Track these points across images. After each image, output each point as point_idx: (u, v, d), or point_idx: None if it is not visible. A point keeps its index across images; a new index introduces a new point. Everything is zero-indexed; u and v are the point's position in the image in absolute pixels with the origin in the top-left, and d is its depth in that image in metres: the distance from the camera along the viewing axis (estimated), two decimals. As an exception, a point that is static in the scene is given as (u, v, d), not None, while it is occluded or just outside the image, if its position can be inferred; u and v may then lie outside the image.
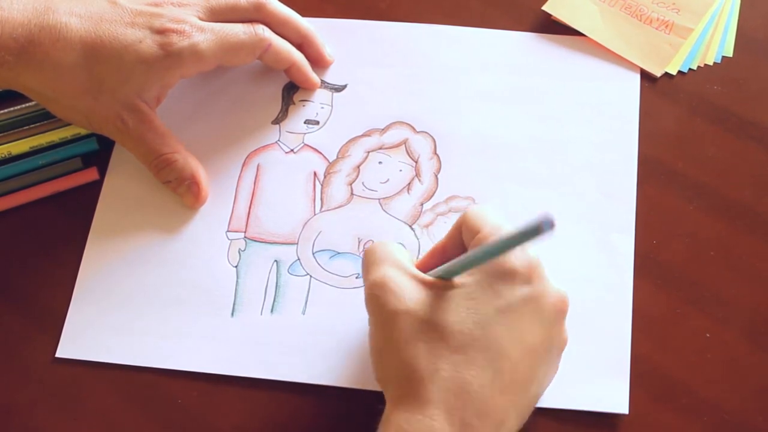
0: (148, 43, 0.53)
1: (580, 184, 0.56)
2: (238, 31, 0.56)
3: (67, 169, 0.59)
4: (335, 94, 0.61)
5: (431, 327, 0.42)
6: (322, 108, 0.60)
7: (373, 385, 0.50)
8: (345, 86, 0.61)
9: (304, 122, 0.60)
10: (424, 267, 0.47)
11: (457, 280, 0.44)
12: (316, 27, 0.61)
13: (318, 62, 0.61)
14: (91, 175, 0.59)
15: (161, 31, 0.53)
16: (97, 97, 0.54)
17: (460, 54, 0.61)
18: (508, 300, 0.42)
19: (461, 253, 0.46)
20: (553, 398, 0.49)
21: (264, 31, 0.57)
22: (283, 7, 0.59)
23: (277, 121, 0.60)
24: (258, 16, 0.58)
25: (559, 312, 0.44)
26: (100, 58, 0.53)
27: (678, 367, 0.50)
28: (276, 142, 0.59)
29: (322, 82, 0.61)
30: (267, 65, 0.60)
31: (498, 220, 0.45)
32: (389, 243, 0.47)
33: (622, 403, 0.49)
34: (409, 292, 0.44)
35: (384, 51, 0.62)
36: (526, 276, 0.43)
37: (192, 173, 0.56)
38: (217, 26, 0.55)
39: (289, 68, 0.60)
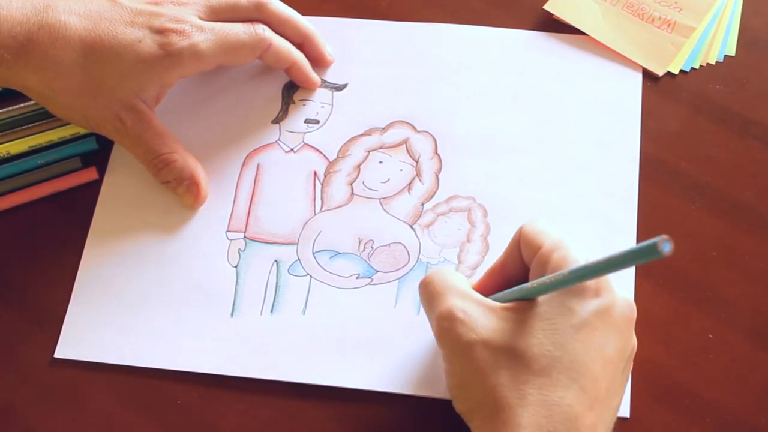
0: (148, 43, 0.53)
1: (582, 183, 0.56)
2: (239, 30, 0.56)
3: (67, 169, 0.59)
4: (335, 93, 0.60)
5: (510, 353, 0.42)
6: (323, 107, 0.60)
7: (372, 385, 0.50)
8: (345, 85, 0.61)
9: (305, 121, 0.60)
10: (484, 289, 0.47)
11: (526, 302, 0.44)
12: (316, 26, 0.61)
13: (319, 62, 0.61)
14: (90, 174, 0.59)
15: (161, 31, 0.53)
16: (95, 97, 0.53)
17: (461, 53, 0.61)
18: (582, 316, 0.42)
19: (521, 270, 0.46)
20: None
21: (264, 31, 0.57)
22: (284, 6, 0.59)
23: (277, 120, 0.60)
24: (259, 15, 0.57)
25: (629, 320, 0.44)
26: (99, 58, 0.53)
27: (680, 368, 0.50)
28: (276, 141, 0.59)
29: (323, 81, 0.61)
30: (267, 65, 0.60)
31: (557, 235, 0.45)
32: (445, 271, 0.46)
33: (623, 405, 0.49)
34: (480, 320, 0.43)
35: (385, 50, 0.62)
36: (595, 289, 0.43)
37: (191, 173, 0.56)
38: (218, 26, 0.55)
39: (290, 68, 0.59)
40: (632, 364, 0.46)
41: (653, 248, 0.35)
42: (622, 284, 0.52)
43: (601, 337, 0.42)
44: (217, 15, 0.56)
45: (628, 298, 0.45)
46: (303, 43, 0.60)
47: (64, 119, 0.57)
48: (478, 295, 0.45)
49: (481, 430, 0.43)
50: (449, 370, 0.45)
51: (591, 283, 0.43)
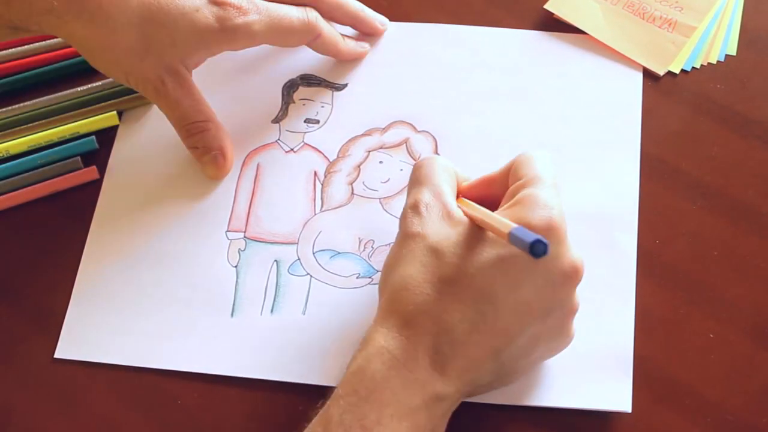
0: (205, 14, 0.53)
1: (582, 183, 0.56)
2: (293, 16, 0.56)
3: (67, 169, 0.59)
4: (336, 93, 0.60)
5: (434, 254, 0.43)
6: (323, 107, 0.60)
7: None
8: (346, 85, 0.61)
9: (305, 121, 0.59)
10: (469, 193, 0.48)
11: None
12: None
13: (372, 35, 0.62)
14: (90, 174, 0.59)
15: (220, 3, 0.54)
16: (143, 58, 0.53)
17: (461, 53, 0.61)
18: (513, 251, 0.42)
19: (506, 190, 0.46)
20: (555, 397, 0.49)
21: (317, 20, 0.58)
22: None
23: (277, 119, 0.60)
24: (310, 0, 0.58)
25: (567, 277, 0.44)
26: (154, 21, 0.53)
27: (681, 368, 0.50)
28: (276, 141, 0.59)
29: (323, 80, 0.61)
30: (311, 49, 0.60)
31: (541, 171, 0.46)
32: (438, 163, 0.48)
33: (624, 401, 0.49)
34: (433, 219, 0.45)
35: (385, 50, 0.62)
36: (541, 234, 0.42)
37: (221, 144, 0.57)
38: (273, 7, 0.56)
39: (333, 56, 0.61)
40: (571, 326, 0.46)
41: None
42: (623, 283, 0.52)
43: (524, 278, 0.43)
44: None
45: (576, 257, 0.44)
46: (354, 24, 0.61)
47: (104, 74, 0.57)
48: (448, 199, 0.46)
49: (382, 311, 0.44)
50: (389, 252, 0.46)
51: (540, 228, 0.43)
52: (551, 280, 0.43)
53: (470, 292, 0.42)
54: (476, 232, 0.44)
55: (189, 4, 0.53)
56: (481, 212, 0.45)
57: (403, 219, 0.46)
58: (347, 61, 0.61)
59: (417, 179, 0.47)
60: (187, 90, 0.55)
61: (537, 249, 0.39)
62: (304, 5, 0.58)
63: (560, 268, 0.43)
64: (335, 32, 0.60)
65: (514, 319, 0.43)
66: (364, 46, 0.62)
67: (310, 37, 0.58)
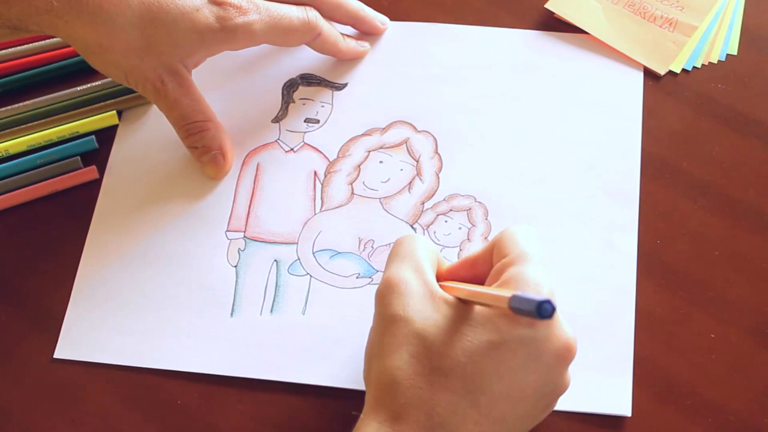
0: (205, 14, 0.53)
1: (583, 182, 0.55)
2: (293, 15, 0.56)
3: (66, 169, 0.59)
4: (336, 93, 0.60)
5: (422, 342, 0.41)
6: (323, 106, 0.60)
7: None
8: (346, 84, 0.61)
9: (305, 121, 0.59)
10: (451, 275, 0.46)
11: (467, 303, 0.43)
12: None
13: (373, 35, 0.62)
14: (90, 174, 0.59)
15: (220, 3, 0.54)
16: (143, 58, 0.53)
17: (461, 52, 0.61)
18: (504, 337, 0.41)
19: (490, 269, 0.45)
20: (555, 399, 0.49)
21: (317, 20, 0.58)
22: None
23: (277, 119, 0.60)
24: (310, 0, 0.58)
25: (561, 359, 0.42)
26: (155, 21, 0.52)
27: (682, 368, 0.50)
28: (276, 140, 0.59)
29: (324, 80, 0.61)
30: (312, 48, 0.60)
31: (527, 247, 0.44)
32: (420, 242, 0.46)
33: (624, 404, 0.49)
34: (415, 299, 0.43)
35: (385, 49, 0.62)
36: (531, 319, 0.41)
37: (220, 144, 0.57)
38: (273, 7, 0.56)
39: (332, 55, 0.61)
40: (556, 401, 0.45)
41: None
42: (624, 283, 0.52)
43: (517, 365, 0.41)
44: None
45: (569, 336, 0.42)
46: (354, 24, 0.61)
47: (104, 73, 0.56)
48: (431, 278, 0.44)
49: (371, 404, 0.42)
50: (370, 336, 0.45)
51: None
52: (545, 362, 0.42)
53: (462, 382, 0.41)
54: (462, 314, 0.42)
55: (189, 3, 0.53)
56: (469, 289, 0.43)
57: (382, 297, 0.44)
58: (347, 61, 0.61)
59: (397, 254, 0.45)
60: (187, 90, 0.55)
61: (545, 310, 0.36)
62: (305, 5, 0.58)
63: (553, 350, 0.42)
64: (335, 31, 0.60)
65: (509, 406, 0.41)
66: (364, 45, 0.61)
67: (311, 37, 0.58)
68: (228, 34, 0.54)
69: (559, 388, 0.44)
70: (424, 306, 0.43)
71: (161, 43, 0.53)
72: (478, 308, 0.42)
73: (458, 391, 0.40)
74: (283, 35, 0.57)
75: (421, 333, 0.42)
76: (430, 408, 0.40)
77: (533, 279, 0.42)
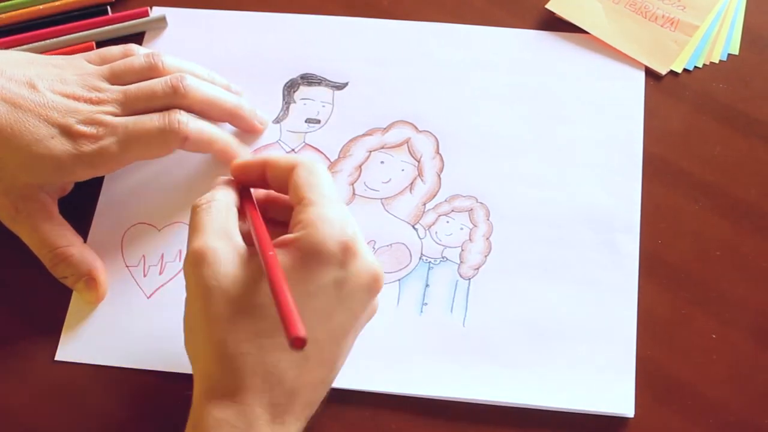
0: (60, 141, 0.51)
1: (585, 183, 0.55)
2: (153, 126, 0.52)
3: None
4: (337, 93, 0.60)
5: (242, 308, 0.42)
6: (324, 107, 0.60)
7: (373, 386, 0.50)
8: (346, 84, 0.60)
9: (305, 121, 0.59)
10: (242, 172, 0.49)
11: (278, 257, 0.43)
12: (317, 25, 0.62)
13: (251, 133, 0.59)
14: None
15: (72, 133, 0.51)
16: None
17: (462, 52, 0.61)
18: (318, 284, 0.42)
19: (281, 184, 0.47)
20: (557, 400, 0.49)
21: (180, 123, 0.53)
22: (204, 87, 0.55)
23: (277, 120, 0.60)
24: (178, 101, 0.54)
25: (371, 290, 0.44)
26: (7, 147, 0.50)
27: (683, 369, 0.50)
28: (277, 141, 0.59)
29: (324, 80, 0.61)
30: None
31: (323, 188, 0.45)
32: (215, 204, 0.46)
33: (627, 404, 0.49)
34: (228, 267, 0.43)
35: (386, 49, 0.62)
36: (340, 258, 0.43)
37: (89, 269, 0.53)
38: (131, 123, 0.52)
39: (215, 151, 0.57)
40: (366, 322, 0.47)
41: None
42: (625, 283, 0.52)
43: (334, 307, 0.43)
44: (134, 106, 0.53)
45: (374, 267, 0.44)
46: (231, 121, 0.58)
47: None
48: (240, 240, 0.45)
49: (201, 378, 0.43)
50: (186, 310, 0.45)
51: (337, 251, 0.42)
52: (358, 300, 0.44)
53: None
54: None
55: (44, 131, 0.50)
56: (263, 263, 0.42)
57: (191, 271, 0.43)
58: (347, 61, 0.61)
59: (195, 226, 0.45)
60: (45, 215, 0.53)
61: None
62: (174, 107, 0.53)
63: (364, 284, 0.44)
64: (209, 132, 0.55)
65: (334, 345, 0.43)
66: (242, 146, 0.58)
67: (176, 143, 0.53)
68: (85, 161, 0.51)
69: (371, 315, 0.46)
70: (239, 271, 0.43)
71: (13, 168, 0.51)
72: (287, 258, 0.42)
73: (286, 347, 0.39)
74: (147, 148, 0.53)
75: (239, 300, 0.42)
76: (264, 371, 0.41)
77: (334, 219, 0.43)
